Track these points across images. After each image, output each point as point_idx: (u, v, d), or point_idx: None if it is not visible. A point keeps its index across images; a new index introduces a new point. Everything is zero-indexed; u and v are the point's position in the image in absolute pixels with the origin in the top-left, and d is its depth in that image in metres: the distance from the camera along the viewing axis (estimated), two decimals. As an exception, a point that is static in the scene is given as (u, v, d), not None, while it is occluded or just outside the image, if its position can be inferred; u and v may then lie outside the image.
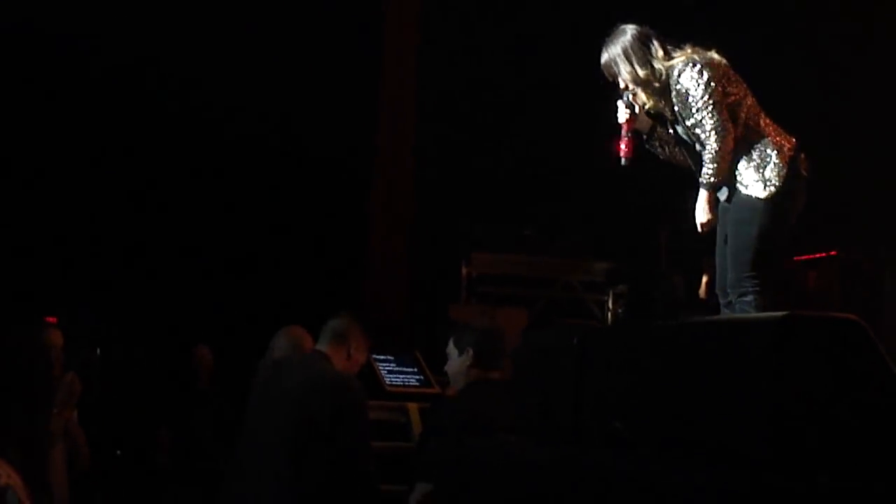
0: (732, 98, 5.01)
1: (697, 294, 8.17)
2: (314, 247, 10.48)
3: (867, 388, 3.16)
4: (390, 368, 7.59)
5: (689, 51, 5.06)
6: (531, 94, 10.52)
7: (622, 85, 5.14)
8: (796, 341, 3.18)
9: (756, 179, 4.97)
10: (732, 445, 3.29)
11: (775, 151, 4.98)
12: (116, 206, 10.41)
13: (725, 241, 5.12)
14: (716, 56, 5.05)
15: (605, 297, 9.29)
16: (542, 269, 9.49)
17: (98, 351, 7.09)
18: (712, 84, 4.96)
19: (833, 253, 8.68)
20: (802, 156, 5.02)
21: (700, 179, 5.03)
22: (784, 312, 3.29)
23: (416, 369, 7.66)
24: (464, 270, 9.27)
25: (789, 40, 9.35)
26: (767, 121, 5.08)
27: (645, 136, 5.25)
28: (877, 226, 8.91)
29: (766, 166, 4.98)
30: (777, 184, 4.95)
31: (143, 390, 8.05)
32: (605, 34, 5.18)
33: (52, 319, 8.05)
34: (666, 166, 5.33)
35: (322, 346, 5.56)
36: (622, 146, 5.19)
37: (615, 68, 5.12)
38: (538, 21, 10.53)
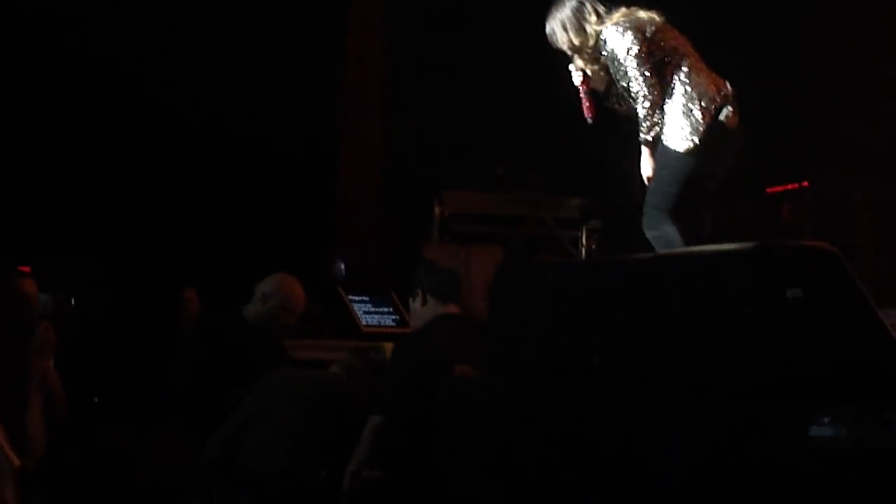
0: (660, 56, 5.16)
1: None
2: (286, 190, 10.45)
3: (841, 315, 3.17)
4: (366, 309, 7.60)
5: (619, 14, 5.20)
6: (502, 29, 10.46)
7: (566, 52, 5.33)
8: (770, 270, 3.19)
9: (675, 132, 5.12)
10: (709, 376, 3.30)
11: (697, 106, 5.13)
12: (90, 154, 10.35)
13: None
14: (644, 15, 5.20)
15: (579, 233, 9.27)
16: (515, 207, 9.46)
17: (73, 300, 7.06)
18: (635, 46, 5.11)
19: (805, 184, 8.71)
20: (730, 109, 5.13)
21: (639, 138, 5.19)
22: (758, 242, 3.29)
23: (391, 309, 7.66)
24: (437, 210, 9.23)
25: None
26: (700, 73, 5.20)
27: (603, 95, 5.41)
28: (849, 156, 8.92)
29: (686, 120, 5.12)
30: (694, 138, 5.10)
31: (122, 336, 8.03)
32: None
33: (25, 269, 8.02)
34: None
35: None
36: (584, 107, 5.40)
37: (554, 37, 5.34)
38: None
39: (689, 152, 5.10)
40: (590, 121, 5.42)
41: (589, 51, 5.28)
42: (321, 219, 10.26)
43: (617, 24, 5.18)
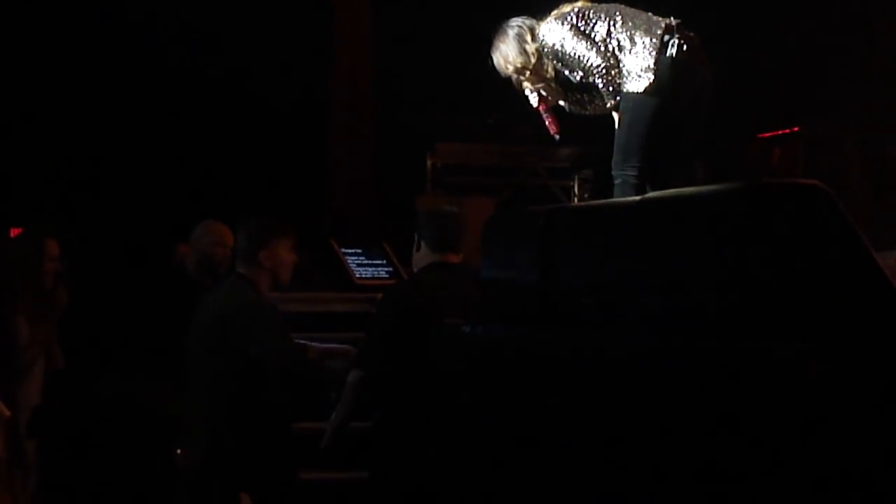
0: (592, 25, 5.28)
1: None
2: (276, 142, 10.41)
3: (834, 253, 3.17)
4: (359, 261, 7.59)
5: (546, 18, 5.41)
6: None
7: (514, 80, 5.55)
8: (762, 208, 3.18)
9: (627, 76, 5.16)
10: (704, 315, 3.30)
11: (641, 44, 5.21)
12: (79, 113, 10.31)
13: None
14: (565, 7, 5.38)
15: (572, 183, 9.26)
16: (507, 158, 9.45)
17: (66, 261, 7.03)
18: (566, 29, 5.29)
19: (796, 129, 8.70)
20: (677, 40, 5.15)
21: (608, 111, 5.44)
22: (748, 181, 3.29)
23: (385, 261, 7.65)
24: (429, 161, 9.22)
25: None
26: (635, 17, 5.25)
27: (565, 105, 5.64)
28: (839, 99, 8.91)
29: (634, 60, 5.19)
30: (647, 75, 5.13)
31: (118, 295, 7.99)
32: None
33: (16, 231, 8.00)
34: None
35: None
36: (548, 125, 5.59)
37: (500, 67, 5.56)
38: None
39: (645, 92, 5.13)
40: (556, 136, 5.63)
41: (531, 69, 5.44)
42: (313, 171, 10.23)
43: (545, 26, 5.37)
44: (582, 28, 5.26)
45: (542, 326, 4.00)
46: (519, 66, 5.45)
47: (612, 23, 5.25)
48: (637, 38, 5.20)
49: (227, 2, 10.19)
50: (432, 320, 5.10)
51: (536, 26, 5.45)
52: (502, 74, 5.58)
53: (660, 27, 5.20)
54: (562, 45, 5.29)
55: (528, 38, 5.44)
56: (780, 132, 8.62)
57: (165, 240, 7.41)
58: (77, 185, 10.22)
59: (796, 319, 3.12)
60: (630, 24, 5.24)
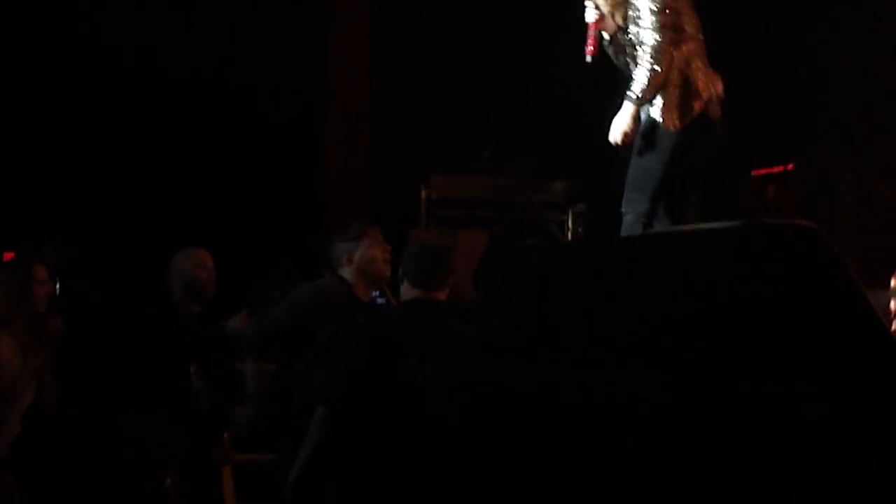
0: (680, 30, 5.18)
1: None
2: (270, 173, 10.41)
3: (827, 295, 3.17)
4: (353, 292, 7.57)
5: None
6: (489, 13, 10.45)
7: None
8: (757, 248, 3.19)
9: (669, 110, 5.13)
10: (699, 354, 3.30)
11: (694, 92, 5.16)
12: (67, 133, 10.24)
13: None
14: None
15: (565, 217, 9.29)
16: (501, 191, 9.48)
17: (57, 284, 6.99)
18: (666, 10, 5.19)
19: (791, 167, 8.72)
20: (717, 109, 5.19)
21: (627, 92, 5.18)
22: (744, 220, 3.30)
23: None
24: (423, 193, 9.24)
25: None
26: (701, 60, 5.24)
27: (608, 39, 5.50)
28: (834, 139, 8.94)
29: (673, 105, 5.13)
30: (678, 124, 5.12)
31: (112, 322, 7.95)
32: None
33: (8, 255, 7.96)
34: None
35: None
36: (588, 43, 5.44)
37: None
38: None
39: (679, 133, 5.11)
40: (588, 58, 5.46)
41: None
42: (308, 203, 10.23)
43: None
44: (670, 22, 5.20)
45: (539, 363, 4.00)
46: None
47: (684, 51, 5.21)
48: (691, 83, 5.19)
49: (220, 34, 10.17)
50: (406, 359, 4.98)
51: None
52: None
53: (714, 89, 5.22)
54: (648, 11, 5.19)
55: None
56: (775, 170, 8.64)
57: (155, 264, 7.39)
58: (70, 206, 10.15)
59: (790, 360, 3.12)
60: (695, 65, 5.22)
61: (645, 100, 5.18)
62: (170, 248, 6.99)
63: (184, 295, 6.67)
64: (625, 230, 5.24)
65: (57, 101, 10.15)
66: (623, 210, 5.32)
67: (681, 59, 5.22)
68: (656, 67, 5.12)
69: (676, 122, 5.18)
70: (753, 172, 8.97)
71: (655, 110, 5.22)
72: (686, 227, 4.58)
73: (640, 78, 5.16)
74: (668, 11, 5.17)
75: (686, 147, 5.22)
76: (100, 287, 8.48)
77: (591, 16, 5.43)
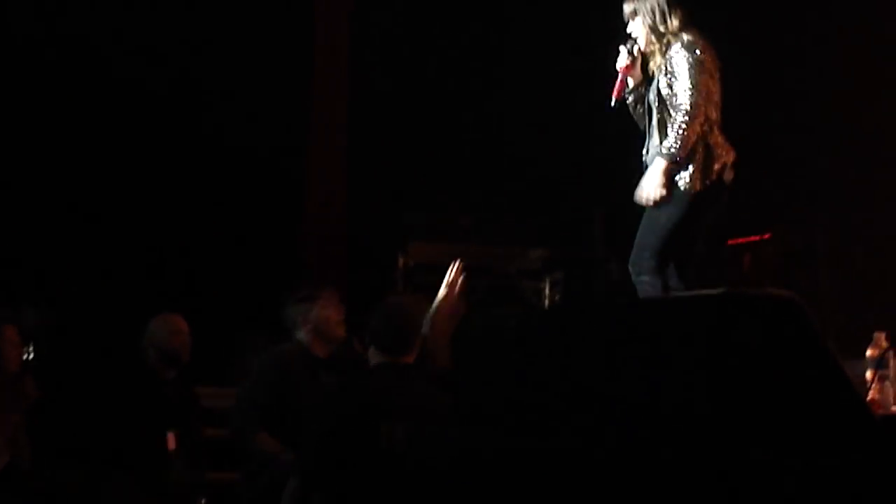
0: (710, 93, 5.24)
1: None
2: (247, 239, 10.36)
3: (803, 366, 3.17)
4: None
5: (698, 35, 5.39)
6: (468, 81, 10.49)
7: (633, 32, 5.50)
8: (734, 318, 3.19)
9: (690, 174, 5.16)
10: (673, 423, 3.29)
11: (714, 158, 5.20)
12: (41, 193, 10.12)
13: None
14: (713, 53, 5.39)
15: (542, 285, 9.28)
16: (478, 258, 9.45)
17: (31, 348, 6.94)
18: (704, 73, 5.28)
19: (767, 236, 8.74)
20: (732, 172, 5.25)
21: (661, 149, 5.21)
22: (722, 290, 3.31)
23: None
24: (400, 261, 9.23)
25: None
26: (720, 129, 5.31)
27: (629, 89, 5.58)
28: (811, 208, 8.97)
29: (696, 166, 5.17)
30: (698, 186, 5.16)
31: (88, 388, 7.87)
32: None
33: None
34: (600, 151, 5.54)
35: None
36: (616, 88, 5.53)
37: (638, 16, 5.47)
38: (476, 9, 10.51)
39: (696, 194, 5.16)
40: (614, 103, 5.53)
41: (657, 41, 5.41)
42: (284, 272, 10.18)
43: (699, 42, 5.34)
44: (706, 83, 5.28)
45: (517, 431, 3.98)
46: (660, 29, 5.42)
47: (708, 118, 5.28)
48: (712, 150, 5.27)
49: (198, 103, 10.14)
50: (374, 424, 4.95)
51: (677, 30, 5.42)
52: (629, 21, 5.54)
53: (728, 157, 5.30)
54: (691, 68, 5.25)
55: (675, 22, 5.41)
56: (751, 239, 8.66)
57: (131, 325, 7.34)
58: (48, 270, 10.04)
59: (766, 430, 3.12)
60: (715, 132, 5.31)
61: (680, 157, 5.21)
62: (148, 312, 6.95)
63: (159, 360, 6.65)
64: (641, 292, 5.24)
65: (37, 162, 10.08)
66: (630, 267, 5.31)
67: (708, 121, 5.29)
68: (691, 126, 5.18)
69: (697, 183, 5.23)
70: (729, 241, 8.99)
71: (675, 169, 5.25)
72: (664, 296, 4.58)
73: (676, 133, 5.20)
74: (704, 72, 5.27)
75: (701, 209, 5.27)
76: (76, 351, 8.45)
77: (623, 60, 5.49)
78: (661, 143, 5.32)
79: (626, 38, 5.58)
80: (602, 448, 3.50)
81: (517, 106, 10.16)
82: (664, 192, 5.26)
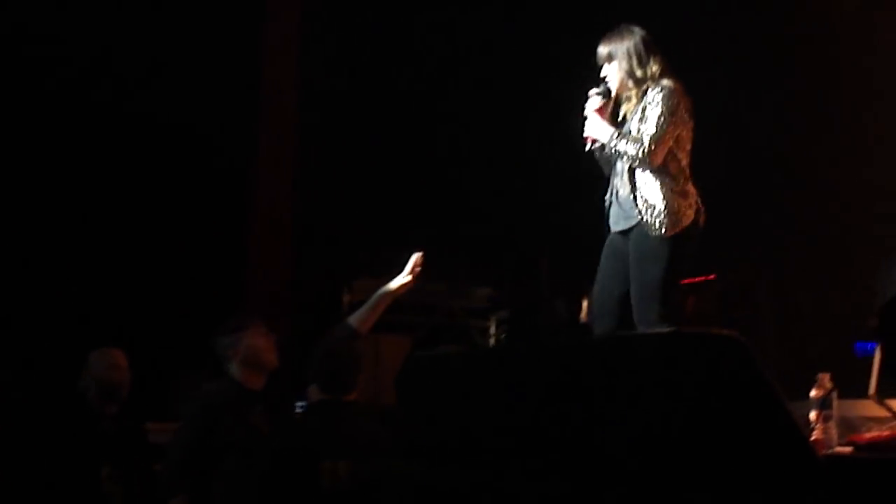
0: (683, 142, 5.29)
1: (579, 317, 8.23)
2: (191, 279, 10.28)
3: (747, 405, 3.18)
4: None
5: (676, 82, 5.44)
6: (411, 117, 10.51)
7: (608, 76, 5.52)
8: (680, 357, 3.20)
9: (669, 217, 5.22)
10: (618, 463, 3.29)
11: (687, 200, 5.24)
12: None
13: (606, 275, 5.50)
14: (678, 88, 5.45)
15: (488, 323, 9.30)
16: (424, 296, 9.45)
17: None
18: (678, 123, 5.36)
19: (711, 277, 8.78)
20: (703, 218, 5.32)
21: (612, 142, 5.36)
22: (668, 329, 3.32)
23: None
24: (345, 298, 9.21)
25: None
26: (684, 167, 5.35)
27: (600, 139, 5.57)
28: (754, 250, 9.04)
29: (676, 210, 5.23)
30: (686, 223, 5.22)
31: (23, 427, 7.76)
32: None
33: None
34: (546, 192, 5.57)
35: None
36: (586, 131, 5.53)
37: (614, 59, 5.48)
38: (427, 40, 10.53)
39: (674, 239, 5.21)
40: (589, 146, 5.55)
41: (635, 85, 5.43)
42: (230, 310, 10.11)
43: (677, 87, 5.38)
44: (677, 125, 5.30)
45: (461, 469, 3.97)
46: (637, 75, 5.44)
47: (679, 161, 5.34)
48: (686, 194, 5.34)
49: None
50: (312, 461, 4.94)
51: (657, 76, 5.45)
52: (603, 64, 5.55)
53: (697, 200, 5.36)
54: (664, 109, 5.28)
55: (655, 67, 5.45)
56: (695, 280, 8.71)
57: (67, 362, 7.27)
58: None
59: (709, 470, 3.12)
60: (684, 175, 5.37)
61: (615, 150, 5.31)
62: (89, 346, 6.89)
63: (98, 395, 6.58)
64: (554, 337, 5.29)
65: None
66: (639, 325, 5.31)
67: (682, 171, 5.36)
68: (644, 151, 5.24)
69: (680, 229, 5.29)
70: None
71: (656, 219, 5.30)
72: (610, 335, 4.60)
73: (632, 142, 5.28)
74: (677, 121, 5.31)
75: (685, 251, 5.33)
76: (12, 385, 8.34)
77: (595, 103, 5.49)
78: (631, 192, 5.37)
79: (598, 81, 5.59)
80: (547, 486, 3.49)
81: (465, 144, 10.18)
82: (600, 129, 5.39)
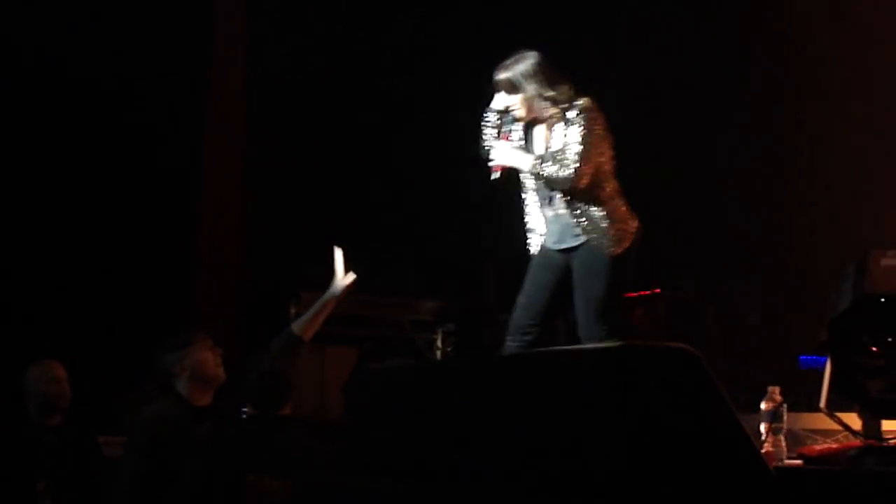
0: (602, 157, 5.27)
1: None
2: (137, 292, 10.20)
3: (700, 414, 3.18)
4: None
5: (591, 102, 5.36)
6: (360, 133, 10.49)
7: (511, 103, 5.41)
8: (633, 370, 3.19)
9: (606, 235, 5.22)
10: (568, 474, 3.28)
11: (627, 224, 5.25)
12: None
13: (540, 287, 5.49)
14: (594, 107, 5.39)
15: (435, 336, 9.26)
16: (370, 308, 9.41)
17: None
18: (600, 140, 5.32)
19: (657, 290, 8.82)
20: (640, 236, 5.35)
21: (534, 168, 5.29)
22: (620, 342, 3.31)
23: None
24: (292, 310, 9.14)
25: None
26: (616, 185, 5.36)
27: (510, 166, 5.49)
28: (699, 264, 9.09)
29: (614, 225, 5.24)
30: (624, 244, 5.25)
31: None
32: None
33: None
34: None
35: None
36: (493, 166, 5.45)
37: (518, 90, 5.38)
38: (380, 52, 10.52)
39: (617, 258, 5.24)
40: (497, 176, 5.44)
41: (549, 108, 5.34)
42: (176, 323, 10.03)
43: (595, 108, 5.34)
44: (601, 149, 5.30)
45: (408, 480, 3.95)
46: (546, 95, 5.36)
47: (608, 184, 5.35)
48: (622, 216, 5.36)
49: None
50: (242, 475, 4.92)
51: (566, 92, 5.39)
52: (503, 90, 5.45)
53: (632, 221, 5.38)
54: (585, 132, 5.26)
55: (564, 87, 5.39)
56: (642, 293, 8.73)
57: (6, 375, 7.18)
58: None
59: (663, 481, 3.11)
60: (616, 200, 5.39)
61: (536, 175, 5.30)
62: (29, 358, 6.79)
63: (38, 408, 6.50)
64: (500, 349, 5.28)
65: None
66: (585, 342, 5.32)
67: (616, 190, 5.38)
68: (568, 176, 5.23)
69: (617, 248, 5.31)
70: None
71: (602, 238, 5.31)
72: (559, 348, 4.58)
73: (549, 165, 5.26)
74: (599, 139, 5.31)
75: (625, 268, 5.35)
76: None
77: (497, 131, 5.49)
78: (572, 214, 5.37)
79: (493, 113, 5.54)
80: (495, 498, 3.47)
81: (410, 157, 10.16)
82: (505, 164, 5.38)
